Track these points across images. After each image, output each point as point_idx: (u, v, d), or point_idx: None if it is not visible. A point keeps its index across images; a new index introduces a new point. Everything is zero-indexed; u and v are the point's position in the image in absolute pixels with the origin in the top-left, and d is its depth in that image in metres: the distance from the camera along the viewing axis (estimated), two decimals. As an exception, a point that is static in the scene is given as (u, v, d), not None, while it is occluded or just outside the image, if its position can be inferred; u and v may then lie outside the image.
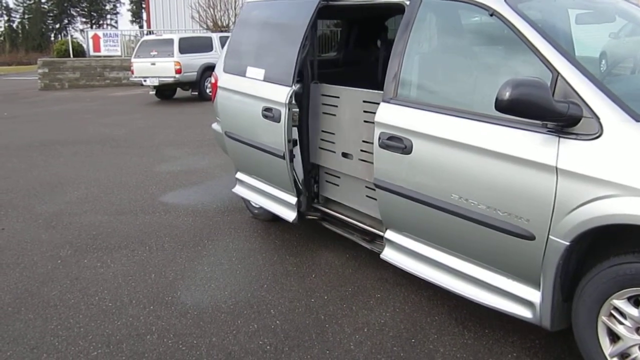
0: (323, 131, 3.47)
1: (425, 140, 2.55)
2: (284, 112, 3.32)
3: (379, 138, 2.75)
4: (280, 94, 3.34)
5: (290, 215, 3.61)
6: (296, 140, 3.55)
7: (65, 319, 2.91)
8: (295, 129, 3.53)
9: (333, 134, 3.39)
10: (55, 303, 3.08)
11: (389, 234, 2.95)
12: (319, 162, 3.57)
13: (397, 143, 2.65)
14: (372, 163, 2.95)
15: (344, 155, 3.32)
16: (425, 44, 2.85)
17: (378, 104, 2.83)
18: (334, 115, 3.37)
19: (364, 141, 3.14)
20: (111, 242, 3.99)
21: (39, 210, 4.79)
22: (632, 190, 1.85)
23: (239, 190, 4.22)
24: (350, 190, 3.41)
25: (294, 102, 3.49)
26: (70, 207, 4.85)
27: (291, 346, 2.61)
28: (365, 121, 3.11)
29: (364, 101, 3.13)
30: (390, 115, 2.71)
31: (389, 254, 2.96)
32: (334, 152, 3.40)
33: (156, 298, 3.12)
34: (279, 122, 3.36)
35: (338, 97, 3.34)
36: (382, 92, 2.82)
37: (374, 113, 2.82)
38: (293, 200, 3.57)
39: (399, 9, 2.93)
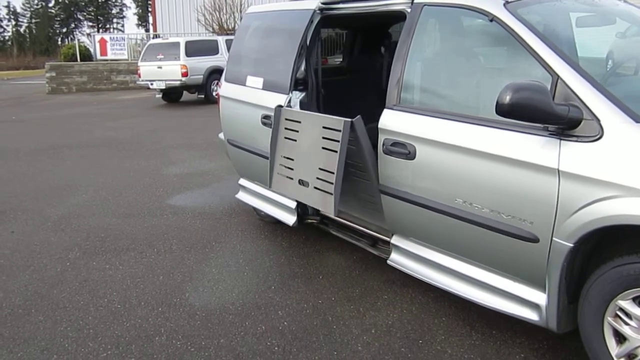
0: (283, 157, 3.24)
1: (428, 145, 2.57)
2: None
3: (383, 144, 2.76)
4: (278, 101, 3.40)
5: (290, 219, 3.65)
6: None
7: (75, 320, 2.95)
8: None
9: (292, 159, 3.17)
10: (65, 305, 3.13)
11: (395, 240, 2.97)
12: (277, 189, 3.35)
13: (401, 149, 2.67)
14: (327, 192, 2.84)
15: (300, 182, 3.10)
16: (427, 51, 2.87)
17: (337, 130, 2.75)
18: (295, 140, 3.15)
19: (320, 169, 2.93)
20: (119, 245, 4.03)
21: (48, 213, 4.85)
22: (633, 191, 1.86)
23: (242, 196, 4.26)
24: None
25: None
26: (78, 210, 4.90)
27: (299, 347, 2.63)
28: (323, 148, 2.90)
29: (324, 127, 2.90)
30: (394, 121, 2.73)
31: (395, 260, 2.98)
32: (292, 178, 3.17)
33: (164, 300, 3.15)
34: None
35: (300, 122, 3.12)
36: (341, 118, 2.75)
37: (333, 140, 2.77)
38: (293, 204, 3.60)
39: (401, 17, 2.95)
